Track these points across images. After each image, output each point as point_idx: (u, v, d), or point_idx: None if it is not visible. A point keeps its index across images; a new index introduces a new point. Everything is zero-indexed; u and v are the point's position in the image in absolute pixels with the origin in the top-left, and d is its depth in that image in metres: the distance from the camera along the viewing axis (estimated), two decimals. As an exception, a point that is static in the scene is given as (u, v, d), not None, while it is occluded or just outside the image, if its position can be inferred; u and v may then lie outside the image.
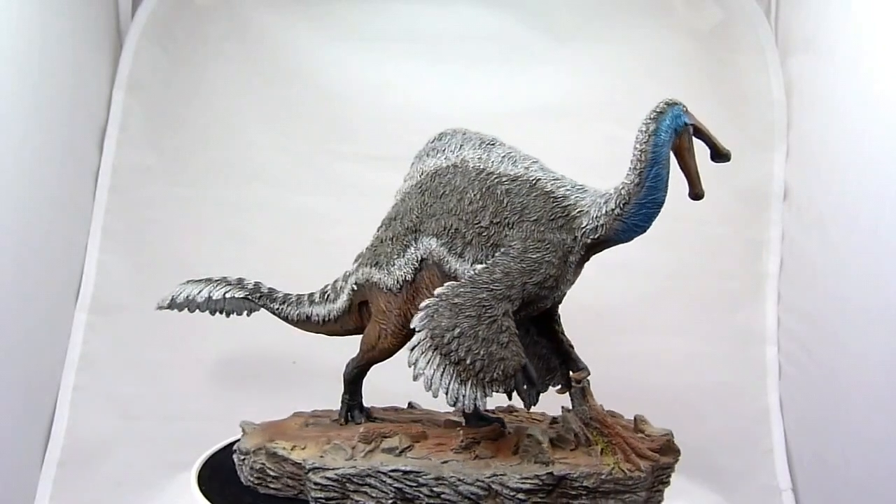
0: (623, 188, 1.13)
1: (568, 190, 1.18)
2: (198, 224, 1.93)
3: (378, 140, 1.95)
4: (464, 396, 1.09)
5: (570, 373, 1.28)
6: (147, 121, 1.91)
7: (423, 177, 1.28)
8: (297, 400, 1.52)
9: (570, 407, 1.26)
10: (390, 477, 1.14)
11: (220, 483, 1.30)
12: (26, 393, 1.62)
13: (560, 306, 1.30)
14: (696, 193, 1.13)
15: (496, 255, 1.16)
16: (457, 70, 2.00)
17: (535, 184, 1.19)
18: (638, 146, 1.11)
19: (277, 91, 1.97)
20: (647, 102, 1.13)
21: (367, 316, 1.35)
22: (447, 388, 1.09)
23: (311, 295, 1.43)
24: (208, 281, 1.46)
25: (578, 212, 1.16)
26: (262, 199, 1.95)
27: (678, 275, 1.91)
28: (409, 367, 1.12)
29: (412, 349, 1.12)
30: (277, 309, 1.43)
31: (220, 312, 1.42)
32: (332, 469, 1.16)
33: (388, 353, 1.30)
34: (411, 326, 1.14)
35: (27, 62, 1.56)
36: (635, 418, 1.31)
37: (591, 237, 1.16)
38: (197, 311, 1.42)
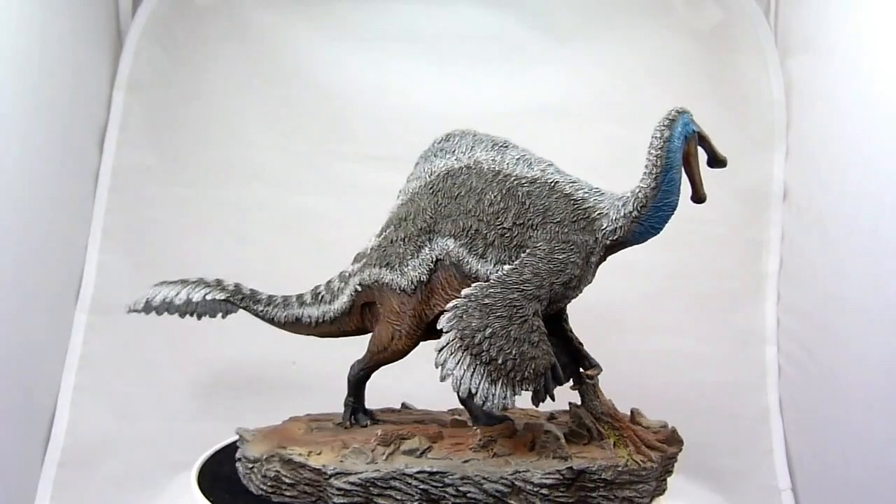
0: (639, 192, 1.16)
1: (586, 193, 1.21)
2: (198, 224, 1.93)
3: (378, 140, 1.95)
4: (493, 396, 1.10)
5: (581, 370, 1.30)
6: (147, 121, 1.91)
7: (433, 177, 1.28)
8: (297, 400, 1.52)
9: (576, 403, 1.28)
10: (415, 479, 1.13)
11: (220, 483, 1.29)
12: (26, 393, 1.62)
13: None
14: (699, 197, 1.19)
15: (522, 256, 1.17)
16: (457, 70, 2.00)
17: (553, 186, 1.21)
18: (653, 151, 1.15)
19: (277, 91, 1.97)
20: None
21: (369, 317, 1.35)
22: (476, 388, 1.10)
23: (300, 296, 1.40)
24: (184, 283, 1.40)
25: (598, 214, 1.19)
26: (262, 199, 1.95)
27: (678, 275, 1.91)
28: (437, 367, 1.12)
29: (440, 350, 1.13)
30: (262, 311, 1.40)
31: (197, 315, 1.37)
32: (355, 473, 1.14)
33: (401, 355, 1.29)
34: (438, 327, 1.15)
35: (27, 62, 1.56)
36: (632, 411, 1.34)
37: (611, 238, 1.19)
38: (177, 314, 1.37)
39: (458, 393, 1.13)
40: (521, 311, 1.13)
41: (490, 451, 1.18)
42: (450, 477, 1.13)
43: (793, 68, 1.88)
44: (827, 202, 1.70)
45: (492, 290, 1.14)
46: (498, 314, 1.13)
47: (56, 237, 1.72)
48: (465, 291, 1.16)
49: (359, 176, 1.95)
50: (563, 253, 1.17)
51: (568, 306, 1.30)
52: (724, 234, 1.92)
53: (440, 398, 1.43)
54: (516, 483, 1.12)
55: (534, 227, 1.19)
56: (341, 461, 1.17)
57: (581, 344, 1.31)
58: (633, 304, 1.88)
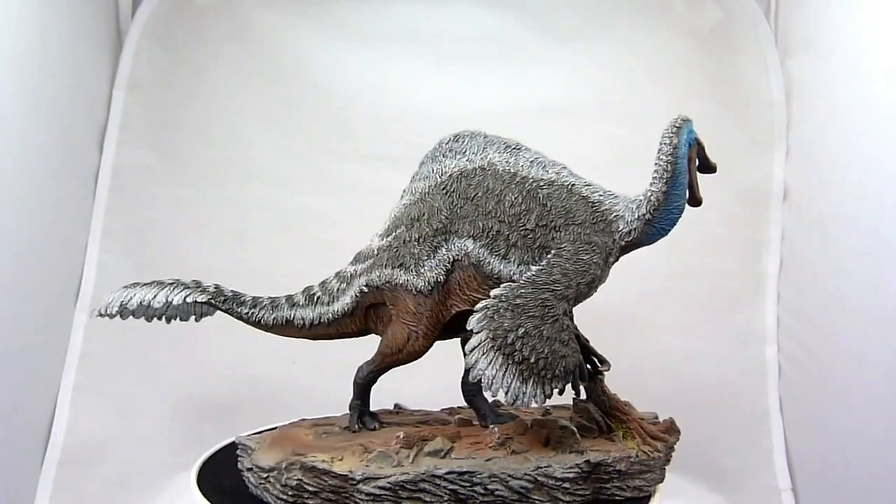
0: (651, 195, 1.21)
1: (601, 195, 1.25)
2: (198, 224, 1.93)
3: (378, 140, 1.95)
4: (524, 394, 1.12)
5: (589, 366, 1.31)
6: (147, 121, 1.91)
7: (445, 178, 1.28)
8: (297, 400, 1.52)
9: (580, 399, 1.30)
10: (445, 480, 1.14)
11: (220, 483, 1.29)
12: (26, 393, 1.62)
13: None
14: (696, 201, 1.24)
15: (549, 257, 1.20)
16: (457, 70, 2.00)
17: (571, 189, 1.24)
18: (663, 157, 1.20)
19: (277, 91, 1.98)
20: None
21: (374, 318, 1.33)
22: (508, 387, 1.12)
23: (289, 297, 1.37)
24: (160, 284, 1.32)
25: (615, 216, 1.23)
26: (262, 199, 1.95)
27: (678, 275, 1.92)
28: (468, 367, 1.14)
29: (472, 350, 1.14)
30: (247, 313, 1.36)
31: (176, 318, 1.29)
32: (384, 478, 1.13)
33: (417, 356, 1.28)
34: (468, 328, 1.15)
35: (27, 62, 1.56)
36: (624, 403, 1.37)
37: (626, 240, 1.23)
38: (154, 318, 1.28)
39: (490, 393, 1.15)
40: (552, 310, 1.16)
41: (508, 449, 1.20)
42: (478, 476, 1.14)
43: (793, 68, 1.88)
44: (827, 202, 1.70)
45: (523, 291, 1.16)
46: (530, 314, 1.15)
47: (56, 237, 1.72)
48: (494, 292, 1.17)
49: (359, 176, 1.95)
50: (587, 254, 1.20)
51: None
52: (724, 234, 1.93)
53: (430, 397, 1.45)
54: (539, 478, 1.15)
55: (557, 229, 1.21)
56: (367, 466, 1.15)
57: (587, 340, 1.33)
58: (633, 304, 1.88)
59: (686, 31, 1.98)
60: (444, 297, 1.25)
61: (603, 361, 1.30)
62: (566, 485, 1.15)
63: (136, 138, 1.90)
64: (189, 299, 1.30)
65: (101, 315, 1.30)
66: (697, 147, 1.23)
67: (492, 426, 1.28)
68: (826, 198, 1.71)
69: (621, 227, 1.23)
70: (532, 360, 1.13)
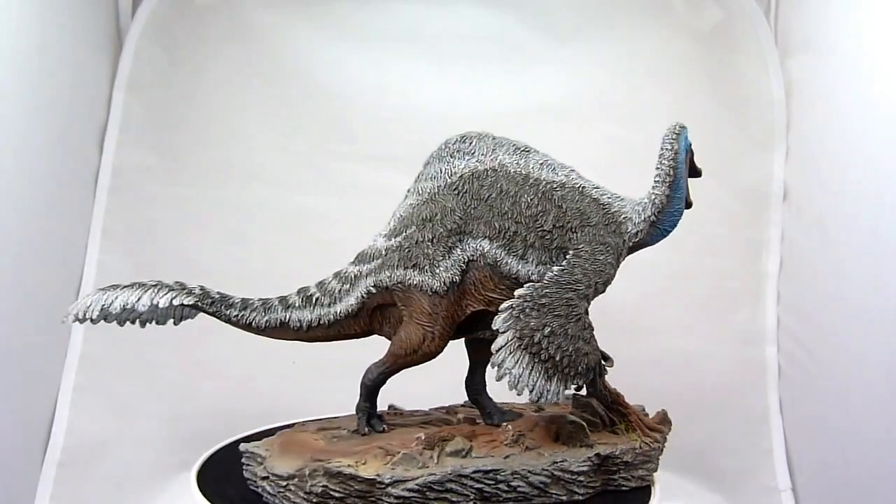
0: (655, 198, 1.28)
1: (609, 198, 1.28)
2: (198, 224, 1.92)
3: (378, 140, 1.95)
4: (548, 392, 1.15)
5: None
6: (147, 121, 1.91)
7: (455, 178, 1.28)
8: (297, 400, 1.52)
9: (580, 394, 1.36)
10: (471, 479, 1.15)
11: (220, 483, 1.28)
12: (26, 393, 1.62)
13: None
14: (688, 203, 1.32)
15: (568, 257, 1.22)
16: (457, 70, 2.00)
17: (582, 191, 1.27)
18: (665, 162, 1.28)
19: (277, 91, 1.97)
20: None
21: (379, 320, 1.31)
22: (533, 386, 1.14)
23: (283, 299, 1.32)
24: (142, 286, 1.24)
25: (623, 218, 1.27)
26: (262, 199, 1.95)
27: (678, 275, 1.92)
28: (493, 367, 1.15)
29: (498, 350, 1.15)
30: (237, 316, 1.30)
31: (153, 322, 1.22)
32: (412, 480, 1.13)
33: (431, 356, 1.27)
34: (493, 328, 1.17)
35: (27, 62, 1.56)
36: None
37: (633, 241, 1.29)
38: (137, 322, 1.22)
39: (515, 391, 1.16)
40: (575, 309, 1.19)
41: (522, 446, 1.23)
42: (501, 474, 1.16)
43: (793, 68, 1.88)
44: (827, 202, 1.70)
45: (547, 291, 1.18)
46: (556, 313, 1.17)
47: (56, 237, 1.72)
48: (518, 292, 1.19)
49: (359, 176, 1.95)
50: (603, 254, 1.23)
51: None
52: (724, 234, 1.93)
53: (414, 397, 1.46)
54: (555, 473, 1.19)
55: (573, 230, 1.24)
56: (393, 469, 1.15)
57: None
58: (632, 304, 1.87)
59: (686, 31, 1.97)
60: (459, 298, 1.25)
61: (606, 358, 1.32)
62: (581, 478, 1.20)
63: (136, 138, 1.89)
64: (175, 302, 1.23)
65: (78, 320, 1.21)
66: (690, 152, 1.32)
67: (505, 424, 1.30)
68: (826, 198, 1.71)
69: (630, 228, 1.27)
70: (557, 359, 1.15)
